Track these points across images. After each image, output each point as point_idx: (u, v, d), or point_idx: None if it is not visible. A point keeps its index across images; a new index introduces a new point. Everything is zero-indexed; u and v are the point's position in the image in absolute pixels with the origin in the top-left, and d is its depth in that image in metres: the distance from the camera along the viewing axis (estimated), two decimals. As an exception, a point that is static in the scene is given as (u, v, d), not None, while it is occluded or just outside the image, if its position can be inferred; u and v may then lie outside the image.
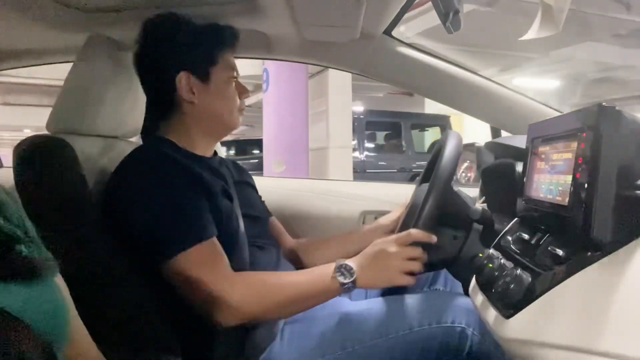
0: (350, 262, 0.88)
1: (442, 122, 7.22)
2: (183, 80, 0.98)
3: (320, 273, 0.89)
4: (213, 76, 1.01)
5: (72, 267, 0.90)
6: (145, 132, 1.11)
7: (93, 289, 0.87)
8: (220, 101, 1.03)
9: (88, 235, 0.90)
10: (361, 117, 6.95)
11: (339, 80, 5.65)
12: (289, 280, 0.90)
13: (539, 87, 7.82)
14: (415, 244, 0.89)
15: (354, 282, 0.87)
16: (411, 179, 6.19)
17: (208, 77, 1.00)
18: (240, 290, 0.85)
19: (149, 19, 1.01)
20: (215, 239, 0.89)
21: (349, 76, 5.70)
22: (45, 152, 0.91)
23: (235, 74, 1.05)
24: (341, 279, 0.86)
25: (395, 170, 6.71)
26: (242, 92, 1.06)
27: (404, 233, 0.90)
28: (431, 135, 7.90)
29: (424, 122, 7.71)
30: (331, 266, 0.88)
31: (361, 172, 6.46)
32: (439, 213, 0.92)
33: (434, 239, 0.90)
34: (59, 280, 0.51)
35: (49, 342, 0.44)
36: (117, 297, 0.86)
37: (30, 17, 1.14)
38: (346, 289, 0.87)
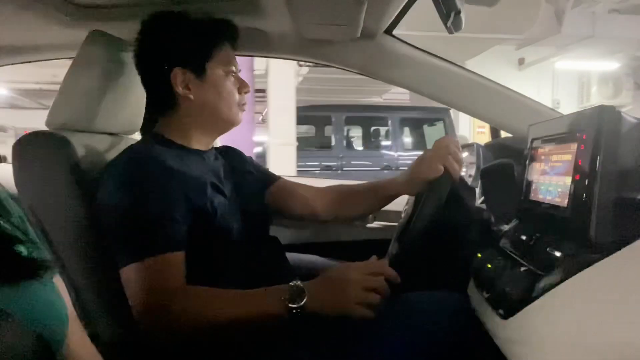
0: (303, 284, 0.81)
1: (441, 117, 6.74)
2: (178, 75, 0.98)
3: (271, 293, 0.82)
4: (209, 71, 1.00)
5: (70, 265, 0.90)
6: (144, 128, 1.11)
7: (91, 288, 0.87)
8: (218, 96, 1.02)
9: (86, 232, 0.90)
10: (340, 112, 6.57)
11: (282, 81, 5.78)
12: (233, 296, 0.84)
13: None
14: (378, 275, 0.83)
15: (302, 306, 0.79)
16: None
17: (204, 72, 1.00)
18: (182, 301, 0.81)
19: (147, 17, 1.01)
20: (174, 254, 0.85)
21: (292, 76, 5.97)
22: (44, 148, 0.91)
23: (233, 68, 1.04)
24: (290, 302, 0.79)
25: (378, 169, 6.45)
26: (242, 86, 1.05)
27: (373, 262, 0.86)
28: (432, 131, 7.67)
29: (416, 116, 7.08)
30: (284, 286, 0.81)
31: (337, 169, 6.21)
32: (429, 232, 0.91)
33: (397, 280, 0.83)
34: (57, 280, 0.51)
35: (47, 342, 0.44)
36: (115, 296, 0.86)
37: (31, 13, 1.13)
38: (294, 314, 0.79)
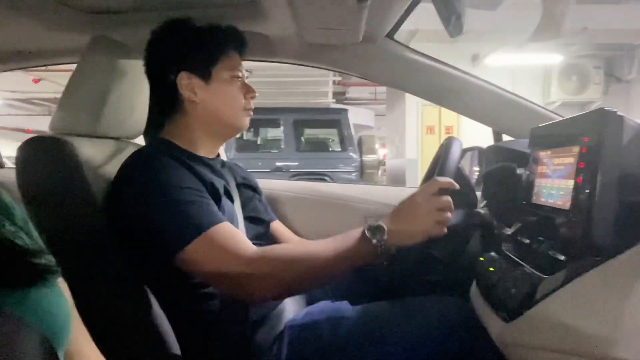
0: (381, 222, 0.84)
1: (337, 118, 6.68)
2: (184, 79, 0.99)
3: (350, 237, 0.84)
4: (215, 76, 1.01)
5: (74, 268, 0.90)
6: (149, 132, 1.12)
7: (95, 291, 0.87)
8: (222, 100, 1.02)
9: (91, 236, 0.90)
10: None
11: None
12: (314, 248, 0.86)
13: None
14: (442, 192, 0.85)
15: (385, 239, 0.82)
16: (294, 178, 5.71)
17: (209, 76, 1.01)
18: (262, 266, 0.83)
19: (157, 25, 1.03)
20: (227, 223, 0.87)
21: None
22: (48, 153, 0.91)
23: (239, 73, 1.05)
24: (372, 238, 0.82)
25: (268, 170, 6.20)
26: (248, 91, 1.06)
27: (429, 182, 0.87)
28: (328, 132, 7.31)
29: (312, 117, 7.09)
30: (360, 228, 0.84)
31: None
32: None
33: (457, 185, 0.86)
34: (62, 283, 0.51)
35: (52, 344, 0.44)
36: (119, 299, 0.86)
37: (35, 19, 1.14)
38: (379, 248, 0.82)
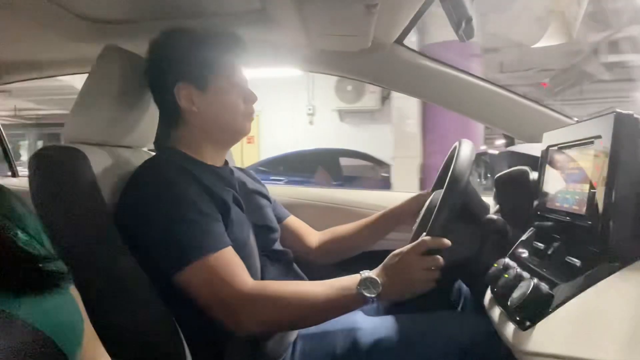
0: (375, 275, 0.87)
1: None
2: (182, 90, 0.99)
3: (344, 286, 0.87)
4: (211, 84, 1.01)
5: (85, 276, 0.91)
6: (158, 142, 1.12)
7: (106, 299, 0.87)
8: (221, 107, 1.02)
9: (102, 245, 0.90)
10: None
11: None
12: (309, 291, 0.88)
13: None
14: (433, 250, 0.88)
15: (378, 295, 0.86)
16: None
17: (206, 85, 1.00)
18: (255, 301, 0.84)
19: (155, 35, 1.03)
20: (229, 249, 0.88)
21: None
22: (60, 162, 0.92)
23: (237, 80, 1.04)
24: (366, 293, 0.85)
25: None
26: (248, 97, 1.06)
27: (417, 242, 0.89)
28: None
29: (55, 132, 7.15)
30: (355, 278, 0.87)
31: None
32: (454, 215, 0.91)
33: (447, 243, 0.89)
34: (73, 291, 0.51)
35: (63, 350, 0.44)
36: (130, 307, 0.86)
37: (47, 29, 1.16)
38: (370, 302, 0.86)
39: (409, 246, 0.90)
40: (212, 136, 1.04)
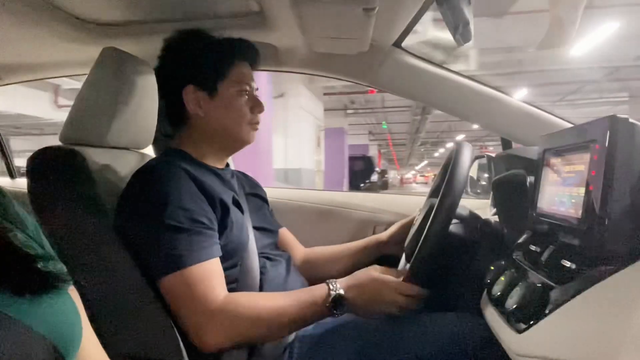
0: (344, 291, 0.88)
1: None
2: (190, 93, 1.00)
3: (312, 300, 0.87)
4: (221, 90, 1.02)
5: (84, 277, 0.91)
6: (157, 142, 1.12)
7: (104, 299, 0.88)
8: (227, 114, 1.03)
9: (100, 245, 0.90)
10: None
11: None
12: (279, 306, 0.87)
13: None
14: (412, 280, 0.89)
15: (345, 311, 0.88)
16: None
17: (215, 90, 1.01)
18: (223, 319, 0.84)
19: (169, 36, 1.04)
20: (212, 261, 0.87)
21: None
22: (58, 163, 0.92)
23: (247, 87, 1.05)
24: (333, 308, 0.87)
25: None
26: (255, 105, 1.06)
27: (398, 281, 0.90)
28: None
29: None
30: (323, 292, 0.88)
31: None
32: (442, 247, 0.89)
33: (424, 294, 0.90)
34: (72, 292, 0.51)
35: (62, 352, 0.44)
36: (128, 306, 0.86)
37: (46, 31, 1.16)
38: (336, 316, 0.88)
39: (390, 281, 0.90)
40: (214, 141, 1.04)
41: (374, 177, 14.07)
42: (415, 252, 0.89)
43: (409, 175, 42.61)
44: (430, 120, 13.34)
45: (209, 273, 0.86)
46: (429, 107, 10.97)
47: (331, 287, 0.88)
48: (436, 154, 31.19)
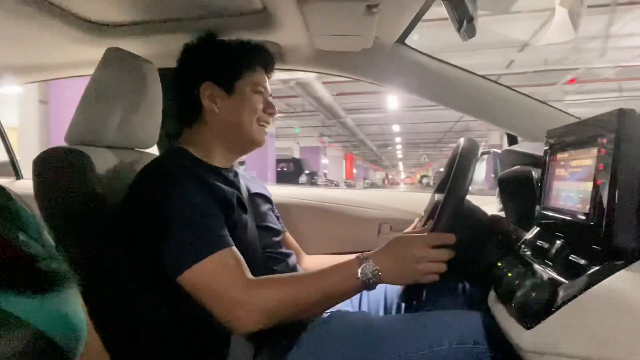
0: (376, 264, 0.86)
1: None
2: (207, 89, 1.03)
3: (345, 274, 0.87)
4: (237, 89, 1.05)
5: (87, 276, 0.92)
6: (162, 142, 1.13)
7: (108, 299, 0.88)
8: (241, 111, 1.05)
9: (105, 245, 0.91)
10: None
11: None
12: (311, 282, 0.88)
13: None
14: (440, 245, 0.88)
15: (378, 282, 0.86)
16: None
17: (232, 89, 1.04)
18: (256, 292, 0.84)
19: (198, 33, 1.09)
20: (232, 249, 0.88)
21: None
22: (64, 163, 0.93)
23: (262, 89, 1.07)
24: (365, 280, 0.85)
25: None
26: (268, 107, 1.08)
27: (426, 234, 0.88)
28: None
29: None
30: (355, 265, 0.87)
31: None
32: (459, 212, 0.90)
33: (453, 239, 0.88)
34: (76, 291, 0.51)
35: (64, 351, 0.44)
36: (131, 306, 0.86)
37: (50, 32, 1.16)
38: (369, 287, 0.87)
39: (416, 235, 0.89)
40: (226, 139, 1.06)
41: (303, 179, 14.41)
42: (439, 207, 0.89)
43: (402, 176, 42.93)
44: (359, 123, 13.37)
45: (234, 259, 0.86)
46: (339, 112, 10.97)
47: (361, 258, 0.87)
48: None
